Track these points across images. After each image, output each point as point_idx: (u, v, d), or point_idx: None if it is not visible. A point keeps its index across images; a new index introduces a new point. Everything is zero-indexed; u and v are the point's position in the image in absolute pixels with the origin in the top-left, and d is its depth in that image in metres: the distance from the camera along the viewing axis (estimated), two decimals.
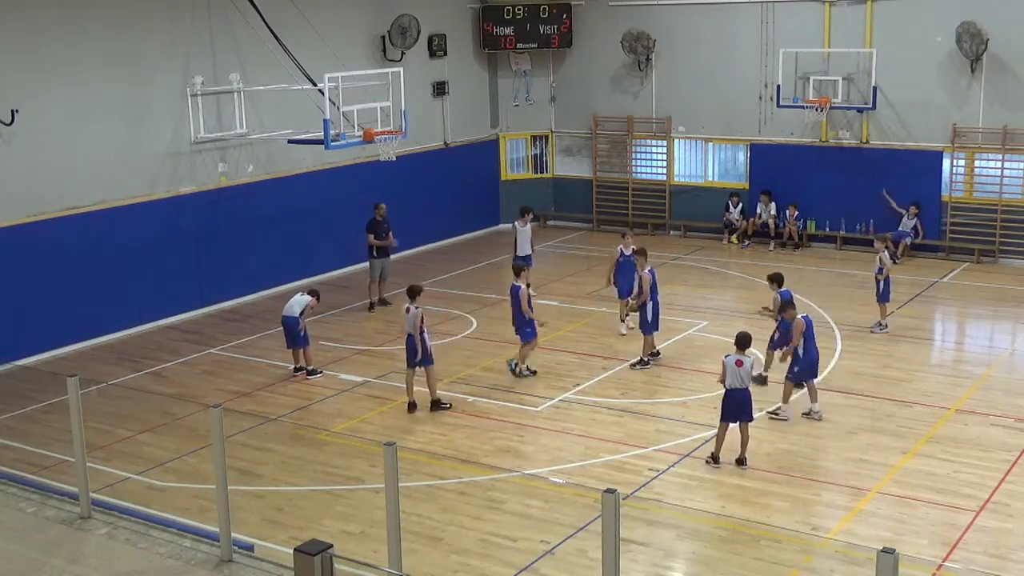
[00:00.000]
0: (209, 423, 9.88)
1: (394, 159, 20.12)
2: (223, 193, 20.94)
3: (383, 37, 23.92)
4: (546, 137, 28.25)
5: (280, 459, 13.82)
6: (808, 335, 14.61)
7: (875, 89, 23.51)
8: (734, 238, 25.57)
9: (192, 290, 20.43)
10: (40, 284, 18.02)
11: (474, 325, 19.42)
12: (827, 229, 24.92)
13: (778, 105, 24.06)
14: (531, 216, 20.85)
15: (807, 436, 14.17)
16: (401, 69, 20.07)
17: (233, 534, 9.91)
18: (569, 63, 27.47)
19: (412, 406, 15.28)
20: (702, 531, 11.92)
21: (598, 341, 18.28)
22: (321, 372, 16.94)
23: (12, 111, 17.35)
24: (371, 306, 20.63)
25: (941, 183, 23.70)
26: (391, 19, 23.76)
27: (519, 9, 26.59)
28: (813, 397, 14.75)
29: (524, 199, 24.44)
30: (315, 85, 19.67)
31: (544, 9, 26.68)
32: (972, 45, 22.26)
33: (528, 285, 17.38)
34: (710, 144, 26.38)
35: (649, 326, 16.82)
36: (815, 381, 14.86)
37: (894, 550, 6.82)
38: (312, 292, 17.23)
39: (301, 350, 16.91)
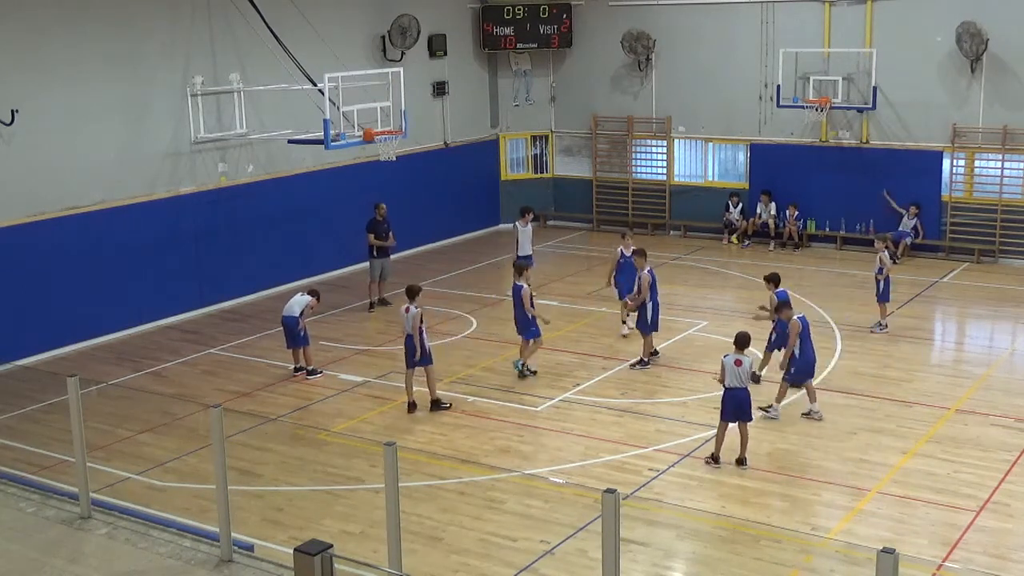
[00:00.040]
0: (209, 423, 9.88)
1: (394, 159, 20.12)
2: (223, 193, 20.94)
3: (383, 37, 23.92)
4: (546, 137, 28.26)
5: (280, 459, 13.82)
6: (804, 336, 14.61)
7: (875, 89, 23.51)
8: (734, 238, 25.57)
9: (192, 290, 20.43)
10: (40, 284, 18.02)
11: (474, 325, 19.43)
12: (827, 229, 24.92)
13: (778, 105, 24.06)
14: (532, 216, 20.87)
15: (807, 436, 14.17)
16: (401, 69, 20.08)
17: (233, 534, 9.91)
18: (569, 63, 27.47)
19: (412, 406, 15.28)
20: (702, 531, 11.92)
21: (598, 341, 18.28)
22: (321, 372, 16.94)
23: (12, 111, 17.35)
24: (371, 306, 20.63)
25: (941, 183, 23.70)
26: (391, 19, 23.76)
27: (519, 9, 26.59)
28: (812, 397, 14.74)
29: (524, 199, 24.46)
30: (315, 85, 19.68)
31: (544, 9, 26.68)
32: (972, 45, 22.26)
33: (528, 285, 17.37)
34: (710, 144, 26.38)
35: (648, 326, 16.82)
36: (812, 381, 14.86)
37: (894, 550, 6.82)
38: (312, 292, 17.24)
39: (301, 350, 16.91)
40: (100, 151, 18.83)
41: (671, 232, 26.74)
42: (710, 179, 26.54)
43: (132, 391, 16.25)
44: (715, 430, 13.42)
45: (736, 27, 25.18)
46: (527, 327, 16.39)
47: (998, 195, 23.19)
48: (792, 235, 24.88)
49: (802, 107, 23.73)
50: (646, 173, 27.23)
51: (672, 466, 13.32)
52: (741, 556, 11.13)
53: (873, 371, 16.59)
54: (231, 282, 21.11)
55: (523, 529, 11.72)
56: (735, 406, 13.15)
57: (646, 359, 16.89)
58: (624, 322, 18.40)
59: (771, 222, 25.14)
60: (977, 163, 23.50)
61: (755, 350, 14.76)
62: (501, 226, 27.45)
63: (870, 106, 23.71)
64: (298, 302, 16.91)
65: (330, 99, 18.17)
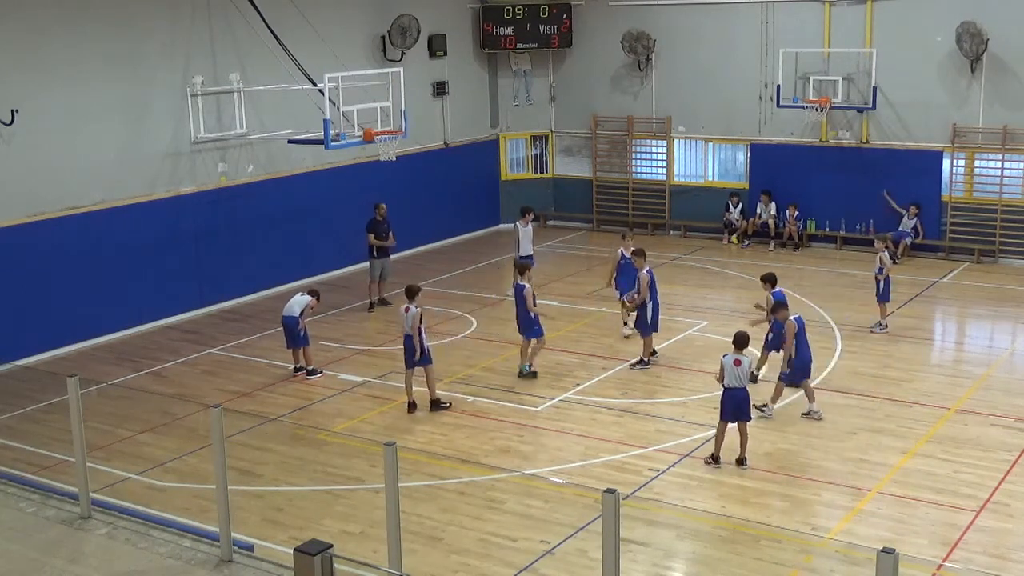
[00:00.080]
0: (209, 423, 9.88)
1: (394, 159, 20.12)
2: (223, 193, 20.94)
3: (383, 37, 23.92)
4: (546, 137, 28.26)
5: (280, 459, 13.82)
6: (800, 336, 14.61)
7: (875, 89, 23.51)
8: (734, 238, 25.57)
9: (192, 290, 20.43)
10: (40, 284, 18.02)
11: (474, 325, 19.43)
12: (827, 229, 24.92)
13: (778, 105, 24.06)
14: (532, 216, 20.88)
15: (807, 436, 14.17)
16: (401, 69, 20.07)
17: (233, 534, 9.91)
18: (569, 63, 27.47)
19: (412, 406, 15.28)
20: (702, 531, 11.92)
21: (598, 341, 18.28)
22: (321, 372, 16.94)
23: (12, 111, 17.35)
24: (371, 306, 20.63)
25: (941, 183, 23.70)
26: (391, 19, 23.76)
27: (519, 9, 26.59)
28: (810, 397, 14.74)
29: (524, 199, 24.46)
30: (315, 85, 19.68)
31: (544, 9, 26.68)
32: (972, 45, 22.26)
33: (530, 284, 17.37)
34: (710, 144, 26.38)
35: (648, 327, 16.81)
36: (809, 381, 14.85)
37: (894, 550, 6.82)
38: (312, 292, 17.24)
39: (301, 350, 16.91)
40: (100, 151, 18.83)
41: (671, 232, 26.74)
42: (710, 179, 26.54)
43: (132, 391, 16.25)
44: (715, 430, 13.42)
45: (736, 27, 25.18)
46: (530, 327, 16.39)
47: (998, 195, 23.19)
48: (792, 235, 24.88)
49: (802, 107, 23.73)
50: (646, 173, 27.23)
51: (672, 466, 13.32)
52: (741, 556, 11.13)
53: (873, 371, 16.59)
54: (231, 282, 21.11)
55: (523, 529, 11.72)
56: (734, 406, 13.15)
57: (646, 359, 16.89)
58: (626, 323, 18.36)
59: (771, 222, 25.14)
60: (977, 163, 23.50)
61: (754, 350, 14.77)
62: (501, 226, 27.45)
63: (870, 106, 23.71)
64: (298, 302, 16.91)
65: (330, 99, 18.17)
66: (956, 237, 23.59)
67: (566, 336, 18.50)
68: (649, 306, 16.70)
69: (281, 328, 17.16)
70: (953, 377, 16.55)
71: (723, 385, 13.20)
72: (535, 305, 16.32)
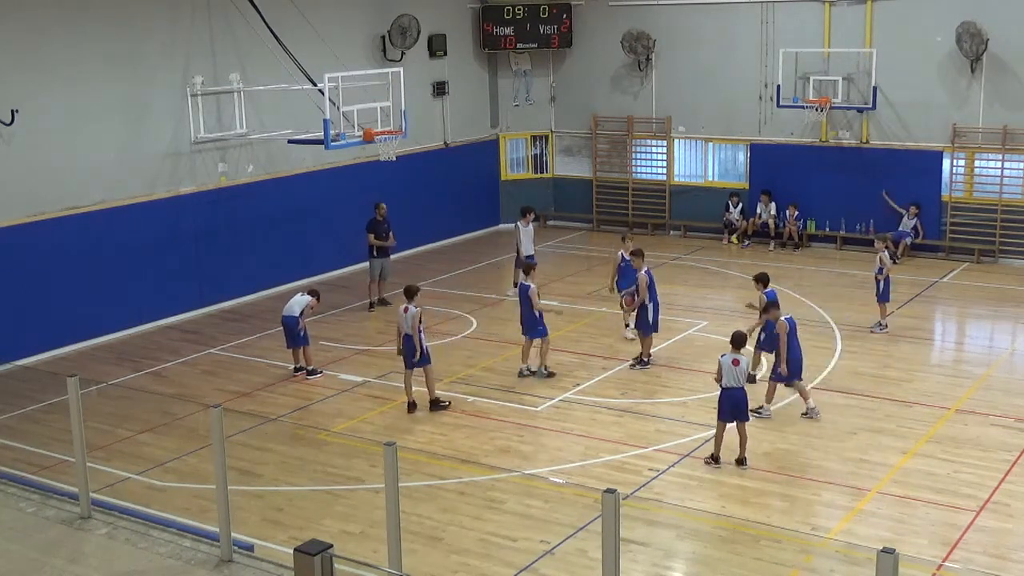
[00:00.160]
0: (209, 423, 9.88)
1: (394, 159, 20.12)
2: (223, 193, 20.94)
3: (383, 37, 23.92)
4: (546, 137, 28.26)
5: (280, 459, 13.82)
6: (791, 335, 14.62)
7: (875, 89, 23.51)
8: (734, 238, 25.57)
9: (192, 290, 20.43)
10: (40, 284, 18.02)
11: (474, 325, 19.43)
12: (827, 229, 24.92)
13: (778, 105, 24.06)
14: (533, 216, 20.88)
15: (807, 436, 14.17)
16: (401, 69, 20.07)
17: (233, 534, 9.91)
18: (569, 63, 27.47)
19: (412, 406, 15.28)
20: (702, 531, 11.92)
21: (598, 341, 18.28)
22: (321, 372, 16.94)
23: (12, 111, 17.35)
24: (371, 306, 20.63)
25: (941, 183, 23.70)
26: (391, 19, 23.76)
27: (519, 9, 26.59)
28: (805, 396, 14.75)
29: (524, 199, 24.47)
30: (315, 85, 19.68)
31: (544, 9, 26.68)
32: (972, 45, 22.26)
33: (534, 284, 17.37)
34: (710, 144, 26.38)
35: (649, 327, 16.81)
36: (803, 381, 14.84)
37: (894, 550, 6.82)
38: (312, 292, 17.24)
39: (301, 350, 16.91)
40: (100, 151, 18.83)
41: (671, 232, 26.74)
42: (710, 179, 26.54)
43: (132, 391, 16.25)
44: (715, 430, 13.42)
45: (736, 27, 25.18)
46: (534, 326, 16.39)
47: (998, 195, 23.19)
48: (792, 235, 24.88)
49: (802, 107, 23.73)
50: (646, 173, 27.23)
51: (672, 466, 13.32)
52: (741, 556, 11.13)
53: (873, 371, 16.59)
54: (231, 282, 21.11)
55: (523, 529, 11.72)
56: (732, 406, 13.15)
57: (646, 359, 16.89)
58: (627, 325, 18.29)
59: (771, 222, 25.14)
60: (977, 163, 23.50)
61: (752, 349, 14.75)
62: (501, 226, 27.46)
63: (870, 106, 23.71)
64: (298, 302, 16.91)
65: (330, 99, 18.17)
66: (956, 237, 23.59)
67: (566, 336, 18.49)
68: (649, 306, 16.71)
69: (281, 328, 17.16)
70: (953, 377, 16.55)
71: (720, 385, 13.20)
72: (540, 304, 16.34)
